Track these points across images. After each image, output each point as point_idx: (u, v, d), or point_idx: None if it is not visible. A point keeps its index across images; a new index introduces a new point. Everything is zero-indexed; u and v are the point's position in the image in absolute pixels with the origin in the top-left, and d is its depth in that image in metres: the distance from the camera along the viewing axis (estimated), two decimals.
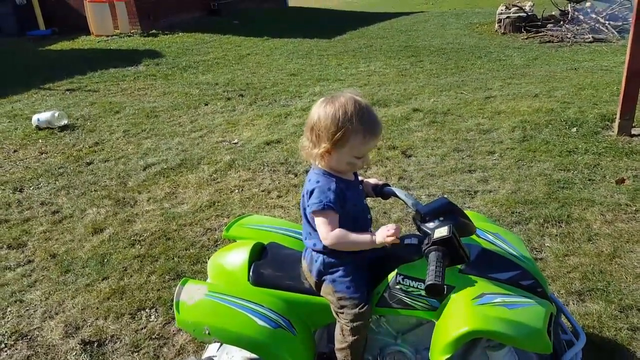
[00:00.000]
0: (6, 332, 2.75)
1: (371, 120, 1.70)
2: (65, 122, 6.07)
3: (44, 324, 2.80)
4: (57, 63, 9.89)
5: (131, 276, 3.14)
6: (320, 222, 1.74)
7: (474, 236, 1.85)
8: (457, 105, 5.94)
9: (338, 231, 1.72)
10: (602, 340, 2.40)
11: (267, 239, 2.12)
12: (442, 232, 1.62)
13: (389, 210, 3.66)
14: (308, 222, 1.83)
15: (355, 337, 1.78)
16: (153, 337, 2.64)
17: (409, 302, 1.77)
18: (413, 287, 1.75)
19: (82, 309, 2.88)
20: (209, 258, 2.26)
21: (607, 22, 10.40)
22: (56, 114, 6.01)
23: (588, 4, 11.41)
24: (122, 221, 3.81)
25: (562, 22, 10.97)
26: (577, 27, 10.52)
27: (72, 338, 2.67)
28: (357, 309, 1.76)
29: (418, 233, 1.79)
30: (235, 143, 5.26)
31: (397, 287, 1.77)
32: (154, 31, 12.79)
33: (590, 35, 10.08)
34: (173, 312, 1.98)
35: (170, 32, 12.60)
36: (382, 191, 1.98)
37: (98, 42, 11.94)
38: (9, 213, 4.07)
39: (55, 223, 3.87)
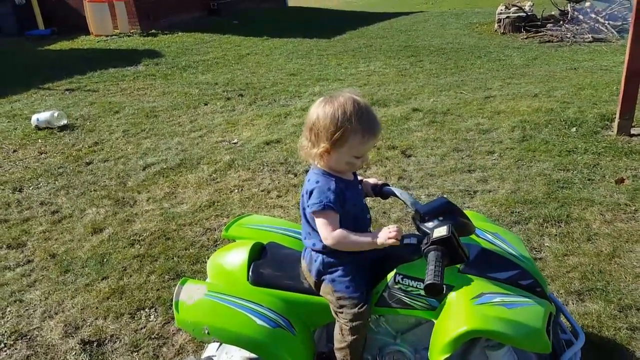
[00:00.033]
0: (6, 331, 2.75)
1: (370, 120, 1.70)
2: (64, 122, 6.07)
3: (43, 323, 2.80)
4: (56, 63, 9.88)
5: (131, 276, 3.14)
6: (320, 223, 1.74)
7: (473, 236, 1.85)
8: (456, 105, 5.95)
9: (339, 232, 1.72)
10: (601, 339, 2.41)
11: (266, 239, 2.13)
12: (441, 231, 1.62)
13: (389, 210, 3.66)
14: (307, 221, 1.83)
15: (354, 337, 1.78)
16: (152, 336, 2.64)
17: (408, 302, 1.77)
18: (412, 286, 1.75)
19: (81, 309, 2.88)
20: (208, 258, 2.26)
21: (606, 21, 10.41)
22: (55, 114, 6.01)
23: (587, 3, 11.42)
24: (122, 221, 3.81)
25: (561, 22, 10.97)
26: (577, 27, 10.53)
27: (72, 338, 2.67)
28: (357, 308, 1.76)
29: (417, 233, 1.79)
30: (234, 143, 5.26)
31: (397, 286, 1.77)
32: (153, 31, 12.79)
33: (590, 35, 10.09)
34: (172, 311, 1.98)
35: (169, 32, 12.60)
36: (381, 191, 1.98)
37: (97, 42, 11.93)
38: (9, 213, 4.07)
39: (54, 223, 3.87)
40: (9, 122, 6.36)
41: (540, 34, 10.66)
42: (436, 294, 1.53)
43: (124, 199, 4.17)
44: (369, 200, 2.01)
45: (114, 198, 4.18)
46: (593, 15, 10.69)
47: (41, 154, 5.27)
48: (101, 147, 5.38)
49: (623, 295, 2.67)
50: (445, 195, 3.68)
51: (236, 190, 4.21)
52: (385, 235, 1.68)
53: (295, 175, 4.40)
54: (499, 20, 11.56)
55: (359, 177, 1.94)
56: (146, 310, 2.83)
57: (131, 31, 12.66)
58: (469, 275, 1.75)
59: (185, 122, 6.03)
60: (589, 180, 3.94)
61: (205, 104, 6.73)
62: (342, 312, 1.79)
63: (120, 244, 3.50)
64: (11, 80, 8.48)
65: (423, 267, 1.59)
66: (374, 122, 1.72)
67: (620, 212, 3.47)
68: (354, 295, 1.78)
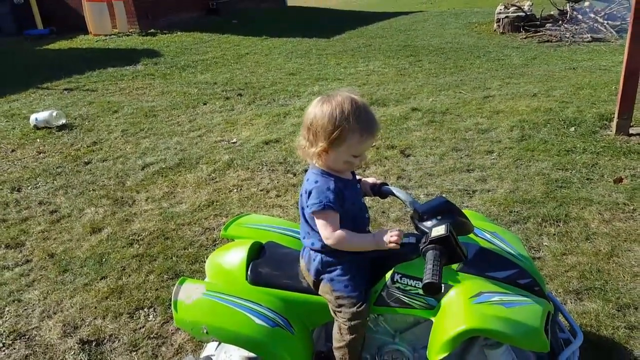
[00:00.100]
0: (4, 331, 2.75)
1: (368, 119, 1.70)
2: (63, 121, 6.06)
3: (42, 323, 2.80)
4: (55, 62, 9.88)
5: (129, 275, 3.14)
6: (321, 222, 1.74)
7: (472, 235, 1.85)
8: (455, 105, 5.95)
9: (341, 232, 1.72)
10: (599, 338, 2.41)
11: (265, 238, 2.13)
12: (439, 230, 1.62)
13: (388, 209, 3.67)
14: (306, 221, 1.83)
15: (353, 336, 1.78)
16: (151, 336, 2.64)
17: (407, 301, 1.77)
18: (410, 285, 1.75)
19: (80, 309, 2.88)
20: (207, 257, 2.26)
21: (605, 21, 10.41)
22: (54, 114, 6.00)
23: (586, 3, 11.42)
24: (121, 221, 3.81)
25: (560, 22, 10.98)
26: (576, 27, 10.53)
27: (71, 337, 2.67)
28: (355, 307, 1.76)
29: (416, 232, 1.79)
30: (233, 142, 5.26)
31: (395, 285, 1.77)
32: (152, 30, 12.78)
33: (589, 35, 10.09)
34: (171, 311, 1.98)
35: (168, 32, 12.59)
36: (380, 190, 1.98)
37: (96, 41, 11.92)
38: (7, 213, 4.06)
39: (53, 223, 3.87)
40: (7, 121, 6.36)
41: (539, 33, 10.67)
42: (434, 293, 1.53)
43: (122, 198, 4.17)
44: (368, 200, 2.01)
45: (112, 198, 4.18)
46: (592, 15, 10.70)
47: (40, 154, 5.27)
48: (100, 146, 5.38)
49: (621, 294, 2.67)
50: (444, 195, 3.69)
51: (235, 190, 4.21)
52: (387, 239, 1.68)
53: (294, 174, 4.40)
54: (498, 20, 11.56)
55: (358, 177, 1.94)
56: (145, 309, 2.83)
57: (130, 31, 12.66)
58: (468, 275, 1.75)
59: (184, 122, 6.03)
60: (587, 179, 3.94)
61: (204, 104, 6.72)
62: (340, 311, 1.79)
63: (119, 243, 3.50)
64: (10, 80, 8.47)
65: (421, 266, 1.60)
66: (372, 121, 1.72)
67: (619, 211, 3.48)
68: (352, 294, 1.78)
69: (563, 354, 1.82)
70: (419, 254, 1.66)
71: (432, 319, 1.75)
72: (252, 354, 1.93)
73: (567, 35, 10.20)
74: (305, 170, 1.89)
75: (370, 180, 2.00)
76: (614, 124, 4.75)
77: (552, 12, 11.51)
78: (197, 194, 4.16)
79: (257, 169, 4.56)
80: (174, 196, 4.17)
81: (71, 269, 3.25)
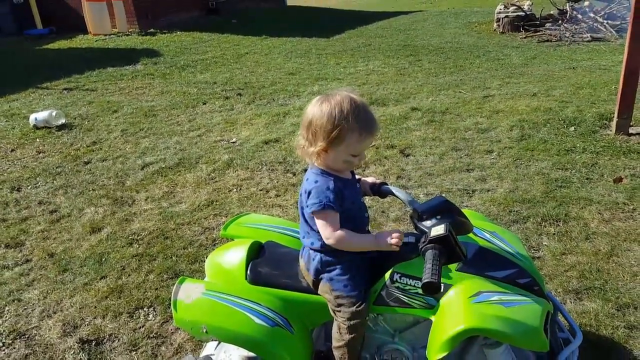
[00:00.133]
0: (4, 330, 2.75)
1: (367, 119, 1.70)
2: (62, 121, 6.06)
3: (41, 322, 2.80)
4: (54, 62, 9.87)
5: (129, 275, 3.14)
6: (321, 222, 1.74)
7: (471, 234, 1.85)
8: (455, 104, 5.95)
9: (341, 232, 1.72)
10: (599, 338, 2.41)
11: (264, 238, 2.13)
12: (438, 230, 1.62)
13: (387, 209, 3.67)
14: (305, 220, 1.83)
15: (352, 336, 1.78)
16: (151, 335, 2.64)
17: (406, 300, 1.77)
18: (410, 285, 1.75)
19: (80, 308, 2.88)
20: (206, 257, 2.26)
21: (605, 21, 10.42)
22: (54, 113, 6.00)
23: (586, 3, 11.42)
24: (120, 220, 3.81)
25: (560, 22, 10.99)
26: (576, 27, 10.54)
27: (70, 337, 2.67)
28: (355, 307, 1.76)
29: (415, 231, 1.79)
30: (233, 142, 5.26)
31: (394, 285, 1.77)
32: (152, 30, 12.78)
33: (589, 35, 10.10)
34: (171, 310, 1.98)
35: (168, 31, 12.59)
36: (379, 190, 1.98)
37: (96, 41, 11.92)
38: (7, 212, 4.06)
39: (53, 222, 3.87)
40: (7, 121, 6.36)
41: (539, 33, 10.67)
42: (434, 292, 1.53)
43: (122, 198, 4.17)
44: (367, 200, 2.01)
45: (112, 197, 4.18)
46: (592, 15, 10.70)
47: (39, 154, 5.27)
48: (99, 146, 5.38)
49: (621, 294, 2.68)
50: (443, 194, 3.69)
51: (235, 190, 4.21)
52: (388, 240, 1.69)
53: (294, 174, 4.40)
54: (498, 20, 11.57)
55: (357, 176, 1.94)
56: (145, 309, 2.83)
57: (129, 30, 12.65)
58: (467, 274, 1.75)
59: (184, 122, 6.03)
60: (587, 179, 3.94)
61: (204, 103, 6.72)
62: (340, 311, 1.79)
63: (119, 243, 3.50)
64: (9, 80, 8.47)
65: (421, 265, 1.60)
66: (371, 120, 1.72)
67: (619, 211, 3.48)
68: (352, 293, 1.78)
69: (562, 353, 1.82)
70: (419, 253, 1.66)
71: (432, 318, 1.75)
72: (251, 354, 1.93)
73: (567, 35, 10.20)
74: (305, 170, 1.89)
75: (370, 179, 2.00)
76: (613, 123, 4.75)
77: (551, 12, 11.52)
78: (197, 194, 4.16)
79: (257, 169, 4.56)
80: (174, 196, 4.17)
81: (71, 269, 3.25)
